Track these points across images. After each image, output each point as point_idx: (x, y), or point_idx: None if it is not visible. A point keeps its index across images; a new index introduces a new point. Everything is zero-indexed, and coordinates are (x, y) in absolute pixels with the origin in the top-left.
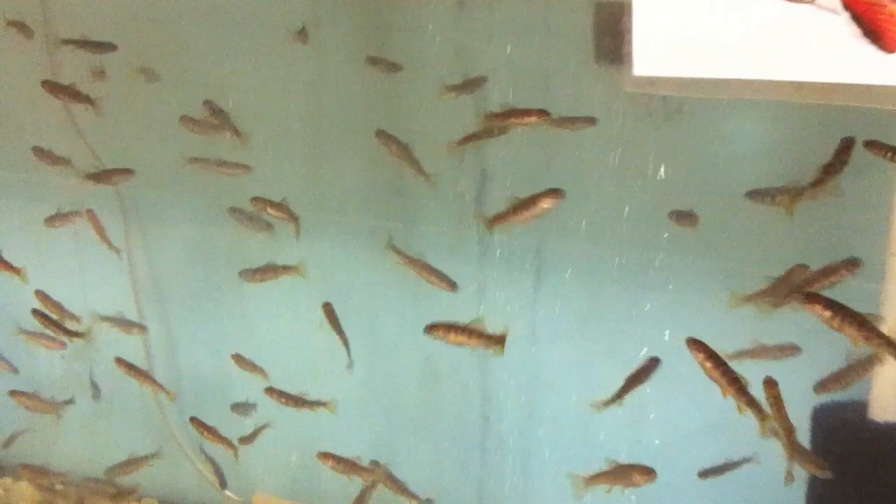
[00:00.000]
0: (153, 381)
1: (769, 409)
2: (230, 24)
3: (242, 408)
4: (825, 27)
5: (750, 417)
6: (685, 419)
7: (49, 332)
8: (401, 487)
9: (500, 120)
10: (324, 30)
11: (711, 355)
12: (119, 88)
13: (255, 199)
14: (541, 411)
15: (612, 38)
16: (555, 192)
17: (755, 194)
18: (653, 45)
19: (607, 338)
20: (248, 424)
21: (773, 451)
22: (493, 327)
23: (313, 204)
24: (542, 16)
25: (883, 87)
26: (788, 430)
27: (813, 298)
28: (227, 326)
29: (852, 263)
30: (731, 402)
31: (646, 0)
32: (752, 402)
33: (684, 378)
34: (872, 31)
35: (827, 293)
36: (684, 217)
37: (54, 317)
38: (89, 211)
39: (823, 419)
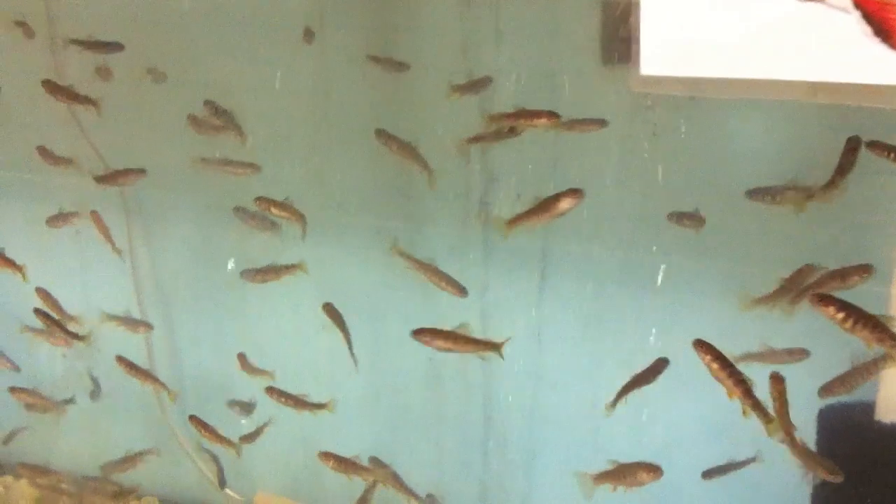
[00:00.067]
0: (154, 380)
1: (772, 403)
2: (234, 24)
3: (241, 406)
4: (835, 26)
5: (755, 419)
6: (690, 420)
7: (57, 326)
8: (402, 486)
9: (510, 121)
10: (328, 30)
11: (718, 356)
12: (122, 89)
13: (259, 199)
14: (544, 412)
15: (619, 38)
16: (574, 193)
17: (755, 193)
18: (660, 45)
19: (611, 339)
20: (247, 424)
21: (778, 453)
22: (496, 328)
23: (317, 204)
24: (549, 16)
25: (893, 87)
26: (788, 429)
27: (826, 300)
28: (229, 326)
29: (864, 269)
30: (736, 403)
31: None
32: (757, 405)
33: (689, 379)
34: (884, 30)
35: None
36: (689, 218)
37: (56, 317)
38: (93, 212)
39: (830, 420)
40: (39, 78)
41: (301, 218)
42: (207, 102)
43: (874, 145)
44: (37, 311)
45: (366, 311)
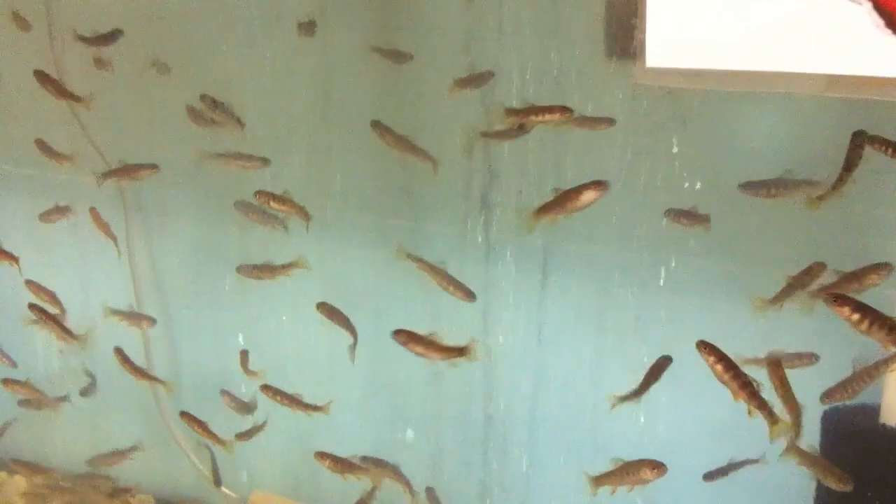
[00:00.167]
0: (146, 376)
1: (775, 390)
2: (234, 18)
3: (242, 405)
4: (845, 17)
5: (760, 421)
6: (692, 421)
7: (53, 322)
8: (402, 478)
9: (521, 117)
10: (330, 25)
11: (722, 358)
12: (121, 83)
13: (258, 193)
14: (544, 411)
15: (623, 31)
16: (598, 185)
17: (749, 186)
18: (665, 36)
19: (613, 338)
20: (243, 420)
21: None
22: (497, 326)
23: (318, 201)
24: (553, 9)
25: None
26: (795, 413)
27: (841, 300)
28: (228, 322)
29: (882, 267)
30: (739, 404)
31: None
32: (763, 406)
33: (692, 379)
34: (895, 22)
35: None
36: (686, 216)
37: (51, 311)
38: (92, 209)
39: (834, 423)
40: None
41: (300, 211)
42: (204, 96)
43: (873, 140)
44: (31, 305)
45: (366, 308)
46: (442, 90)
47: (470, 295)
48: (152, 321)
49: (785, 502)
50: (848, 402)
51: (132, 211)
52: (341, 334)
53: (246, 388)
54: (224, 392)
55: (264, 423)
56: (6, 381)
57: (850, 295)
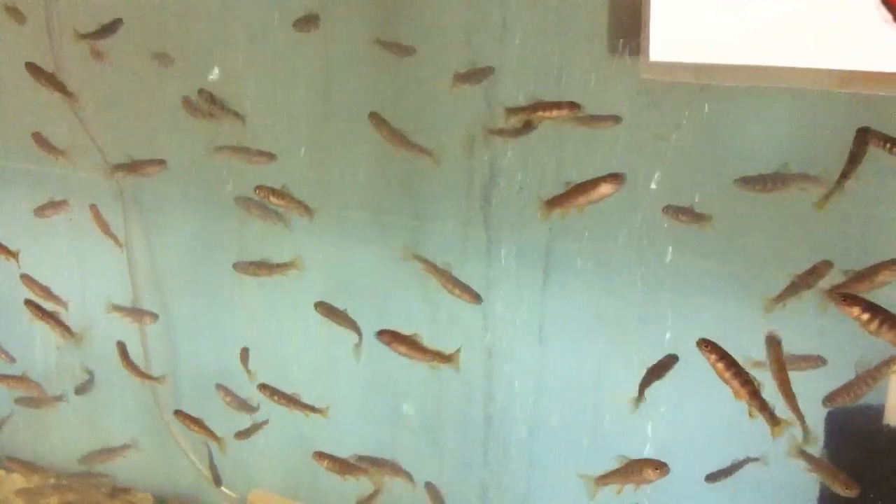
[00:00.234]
0: (140, 374)
1: (770, 367)
2: (235, 12)
3: (244, 405)
4: (852, 12)
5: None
6: (694, 420)
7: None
8: (401, 473)
9: (527, 113)
10: (332, 21)
11: (723, 356)
12: (119, 80)
13: (258, 188)
14: (545, 411)
15: (627, 26)
16: (615, 177)
17: (745, 182)
18: (670, 30)
19: (614, 338)
20: (243, 418)
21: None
22: (498, 325)
23: (320, 199)
24: (555, 5)
25: None
26: (787, 394)
27: (851, 300)
28: (226, 319)
29: (894, 264)
30: (743, 406)
31: None
32: (764, 407)
33: (695, 380)
34: None
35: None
36: (685, 213)
37: (48, 307)
38: (93, 206)
39: (839, 424)
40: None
41: (300, 206)
42: (202, 91)
43: (873, 136)
44: (27, 302)
45: (366, 306)
46: (443, 86)
47: (476, 297)
48: (155, 317)
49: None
50: (852, 403)
51: (130, 206)
52: (341, 332)
53: (245, 387)
54: (220, 387)
55: (264, 423)
56: (1, 377)
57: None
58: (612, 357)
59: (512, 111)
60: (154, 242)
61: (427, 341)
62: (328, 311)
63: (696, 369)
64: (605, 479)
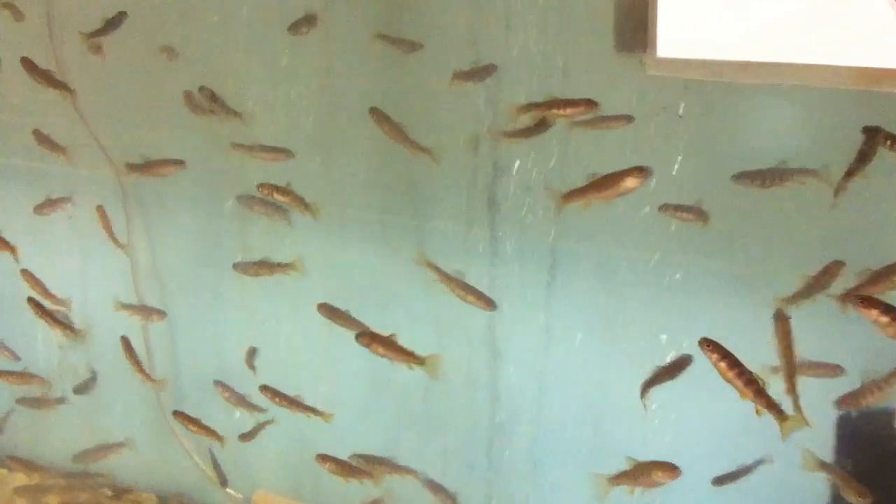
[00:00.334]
0: (142, 372)
1: (776, 345)
2: (238, 9)
3: (229, 390)
4: (863, 8)
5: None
6: (701, 423)
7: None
8: (401, 469)
9: (542, 110)
10: (336, 18)
11: (726, 356)
12: (121, 74)
13: (261, 185)
14: (551, 412)
15: (634, 23)
16: (640, 171)
17: (743, 177)
18: (679, 25)
19: (620, 340)
20: (247, 418)
21: (796, 458)
22: (502, 326)
23: (323, 198)
24: (561, 2)
25: None
26: (791, 373)
27: (869, 302)
28: (228, 318)
29: None
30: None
31: None
32: (770, 404)
33: (701, 381)
34: None
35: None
36: (684, 210)
37: (49, 306)
38: (99, 207)
39: (849, 428)
40: (42, 62)
41: (301, 203)
42: (202, 88)
43: (877, 133)
44: (30, 300)
45: (370, 307)
46: (447, 84)
47: (490, 304)
48: (162, 314)
49: None
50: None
51: (132, 203)
52: (343, 332)
53: (250, 387)
54: (218, 383)
55: (268, 422)
56: (1, 374)
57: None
58: (617, 358)
59: (525, 108)
60: (156, 240)
61: (431, 342)
62: (330, 312)
63: (707, 370)
64: (617, 479)
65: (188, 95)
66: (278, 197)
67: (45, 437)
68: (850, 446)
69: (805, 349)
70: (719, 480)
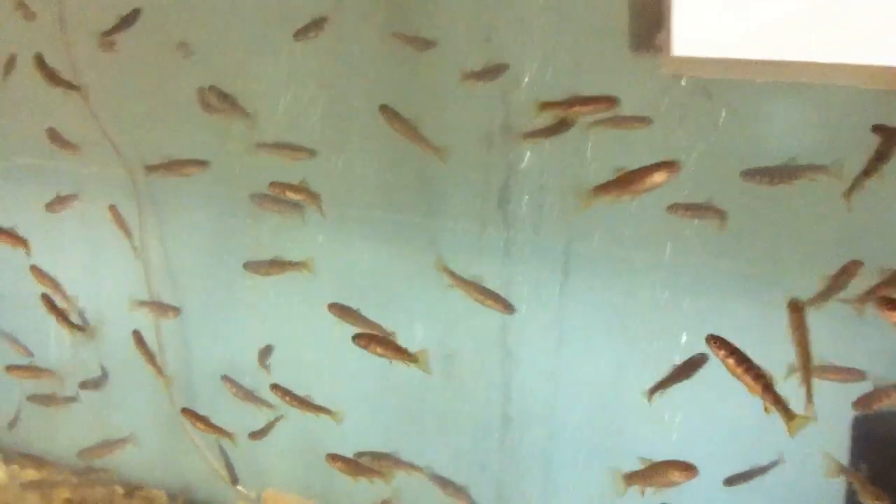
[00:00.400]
0: (155, 366)
1: (791, 335)
2: (250, 9)
3: (236, 385)
4: (883, 5)
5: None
6: (716, 423)
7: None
8: (403, 465)
9: (563, 108)
10: (346, 19)
11: (733, 352)
12: (133, 73)
13: (273, 184)
14: (564, 413)
15: (649, 23)
16: (670, 165)
17: (750, 174)
18: (694, 24)
19: (634, 340)
20: (257, 417)
21: (810, 460)
22: (515, 326)
23: (335, 197)
24: (575, 1)
25: None
26: (806, 363)
27: (891, 304)
28: (240, 317)
29: None
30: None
31: None
32: (778, 400)
33: (716, 382)
34: None
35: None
36: (690, 209)
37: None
38: (112, 207)
39: (864, 429)
40: (52, 60)
41: (316, 199)
42: (212, 87)
43: (879, 129)
44: (44, 296)
45: (384, 305)
46: (459, 84)
47: (509, 307)
48: (178, 311)
49: None
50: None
51: (145, 202)
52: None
53: (255, 383)
54: (226, 378)
55: (279, 418)
56: (10, 368)
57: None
58: (631, 358)
59: (547, 106)
60: (168, 238)
61: (443, 342)
62: (341, 311)
63: (720, 370)
64: (632, 478)
65: (202, 92)
66: (290, 194)
67: (56, 434)
68: (867, 448)
69: (820, 351)
70: (731, 481)
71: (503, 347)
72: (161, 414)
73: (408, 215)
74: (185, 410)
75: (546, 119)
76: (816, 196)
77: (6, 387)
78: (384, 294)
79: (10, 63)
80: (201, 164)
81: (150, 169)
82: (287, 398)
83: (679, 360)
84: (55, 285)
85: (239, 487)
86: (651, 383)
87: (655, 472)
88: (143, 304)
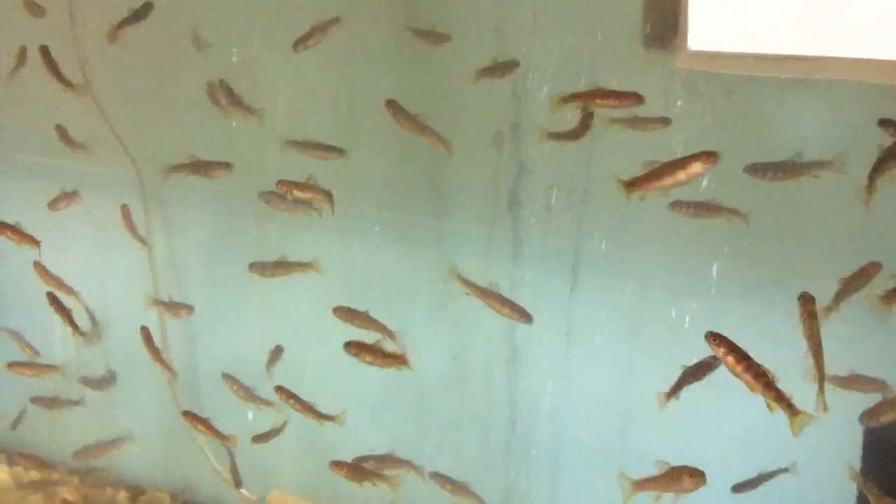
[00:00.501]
0: (162, 362)
1: (802, 327)
2: (260, 7)
3: (238, 384)
4: None
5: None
6: (726, 428)
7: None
8: (403, 463)
9: (583, 100)
10: (357, 16)
11: (733, 349)
12: (142, 71)
13: (280, 182)
14: (571, 416)
15: (664, 19)
16: (709, 156)
17: (754, 169)
18: (710, 17)
19: (643, 343)
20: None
21: (819, 465)
22: (524, 327)
23: (344, 198)
24: None
25: None
26: (817, 355)
27: None
28: (246, 316)
29: None
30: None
31: None
32: (780, 397)
33: (726, 386)
34: None
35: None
36: (691, 206)
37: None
38: (123, 206)
39: (876, 437)
40: (60, 56)
41: (326, 195)
42: (221, 82)
43: (886, 123)
44: (49, 294)
45: (390, 307)
46: (471, 82)
47: (527, 316)
48: (191, 309)
49: None
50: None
51: (151, 200)
52: (362, 333)
53: (261, 383)
54: (227, 376)
55: (282, 426)
56: (11, 365)
57: None
58: (639, 361)
59: (567, 99)
60: (174, 237)
61: (451, 344)
62: (347, 314)
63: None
64: (642, 485)
65: (211, 86)
66: (297, 193)
67: (59, 435)
68: (879, 456)
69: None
70: (739, 487)
71: (511, 348)
72: (165, 415)
73: (416, 216)
74: (186, 413)
75: (564, 113)
76: (831, 197)
77: (10, 388)
78: (391, 295)
79: (21, 57)
80: (226, 166)
81: (173, 170)
82: (291, 401)
83: (689, 362)
84: (60, 284)
85: (242, 491)
86: (660, 386)
87: (665, 479)
88: (157, 302)
